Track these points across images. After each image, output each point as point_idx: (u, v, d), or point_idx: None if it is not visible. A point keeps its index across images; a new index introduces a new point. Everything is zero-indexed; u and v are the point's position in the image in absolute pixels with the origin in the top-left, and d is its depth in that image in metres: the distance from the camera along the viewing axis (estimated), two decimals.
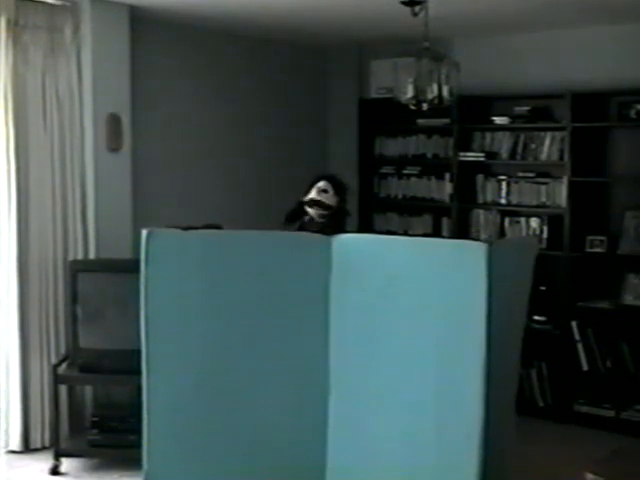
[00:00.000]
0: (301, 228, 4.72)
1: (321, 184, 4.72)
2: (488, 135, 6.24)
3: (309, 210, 4.70)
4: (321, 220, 4.68)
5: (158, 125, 5.77)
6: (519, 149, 6.09)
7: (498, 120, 6.14)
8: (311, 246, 3.47)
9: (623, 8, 5.20)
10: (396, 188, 6.74)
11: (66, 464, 4.80)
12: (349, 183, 5.13)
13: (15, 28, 4.82)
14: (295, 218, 4.76)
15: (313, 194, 4.70)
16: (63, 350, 5.07)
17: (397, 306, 3.27)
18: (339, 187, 4.77)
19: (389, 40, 6.25)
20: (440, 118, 6.21)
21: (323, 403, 3.41)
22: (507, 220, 6.17)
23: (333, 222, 4.64)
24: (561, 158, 5.86)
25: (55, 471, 4.74)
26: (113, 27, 5.24)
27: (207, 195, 6.04)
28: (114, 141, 5.28)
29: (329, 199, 4.70)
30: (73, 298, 4.83)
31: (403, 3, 4.61)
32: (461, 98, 5.37)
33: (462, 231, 6.26)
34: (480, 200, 6.29)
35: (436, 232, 6.47)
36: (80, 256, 5.14)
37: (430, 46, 4.59)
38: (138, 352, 3.39)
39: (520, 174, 6.13)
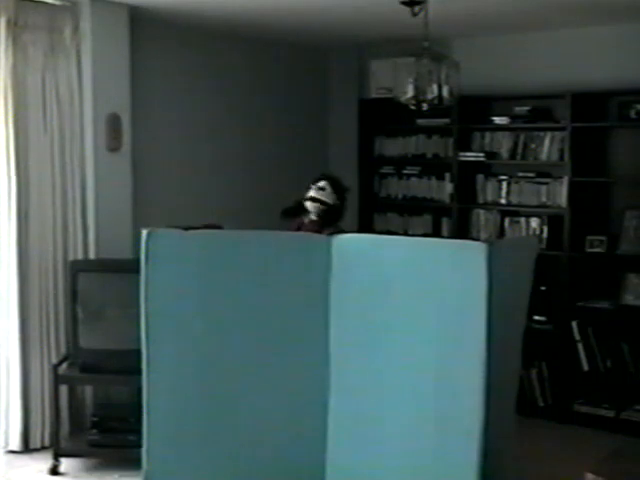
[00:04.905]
0: (299, 228, 4.82)
1: (320, 183, 4.85)
2: (488, 135, 6.24)
3: (307, 205, 4.79)
4: (317, 218, 4.77)
5: (158, 125, 5.77)
6: (519, 149, 6.09)
7: (498, 120, 6.14)
8: (311, 246, 3.48)
9: (623, 8, 5.20)
10: (396, 188, 6.74)
11: (66, 464, 4.80)
12: (349, 183, 5.18)
13: (15, 28, 4.81)
14: (291, 215, 4.87)
15: (311, 192, 4.83)
16: (63, 350, 5.07)
17: (397, 306, 3.28)
18: (337, 186, 4.87)
19: (389, 40, 6.25)
20: (440, 118, 6.21)
21: (323, 403, 3.41)
22: (507, 220, 6.17)
23: (327, 219, 4.72)
24: (561, 158, 5.86)
25: (55, 471, 4.74)
26: (113, 27, 5.24)
27: (207, 195, 6.04)
28: (114, 141, 5.27)
29: (326, 196, 4.81)
30: (73, 298, 4.83)
31: (403, 3, 4.61)
32: (461, 98, 5.35)
33: (462, 231, 6.26)
34: (480, 200, 6.29)
35: (436, 232, 6.47)
36: (80, 256, 5.14)
37: (430, 46, 4.59)
38: (138, 352, 3.40)
39: (520, 174, 6.13)
